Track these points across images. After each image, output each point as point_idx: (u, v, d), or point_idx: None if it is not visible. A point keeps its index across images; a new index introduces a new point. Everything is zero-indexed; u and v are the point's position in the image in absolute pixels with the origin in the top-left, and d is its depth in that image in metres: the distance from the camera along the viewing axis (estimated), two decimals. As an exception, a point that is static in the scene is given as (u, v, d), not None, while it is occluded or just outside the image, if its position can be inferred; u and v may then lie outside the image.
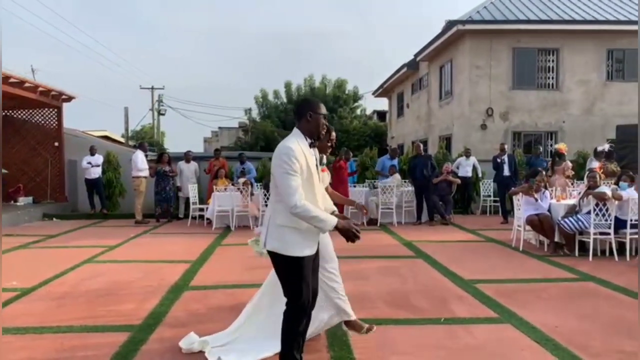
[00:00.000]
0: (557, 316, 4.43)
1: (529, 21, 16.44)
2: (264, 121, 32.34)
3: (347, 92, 33.87)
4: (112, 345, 3.78)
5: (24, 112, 13.90)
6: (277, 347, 3.29)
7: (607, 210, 6.91)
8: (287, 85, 33.20)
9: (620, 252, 7.04)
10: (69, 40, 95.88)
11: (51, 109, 13.83)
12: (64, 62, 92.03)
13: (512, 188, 8.85)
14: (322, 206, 3.13)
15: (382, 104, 33.11)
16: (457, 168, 12.69)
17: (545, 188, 8.03)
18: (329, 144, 3.72)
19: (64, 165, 13.82)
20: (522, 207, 7.78)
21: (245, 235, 9.51)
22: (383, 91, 28.26)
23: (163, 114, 38.24)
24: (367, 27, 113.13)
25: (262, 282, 3.93)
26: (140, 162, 11.51)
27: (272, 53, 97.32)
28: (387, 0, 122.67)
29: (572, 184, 10.63)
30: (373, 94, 30.14)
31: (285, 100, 33.34)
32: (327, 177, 4.01)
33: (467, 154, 13.01)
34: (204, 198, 12.04)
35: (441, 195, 11.42)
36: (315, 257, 3.15)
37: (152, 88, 37.46)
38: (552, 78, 16.81)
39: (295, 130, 3.06)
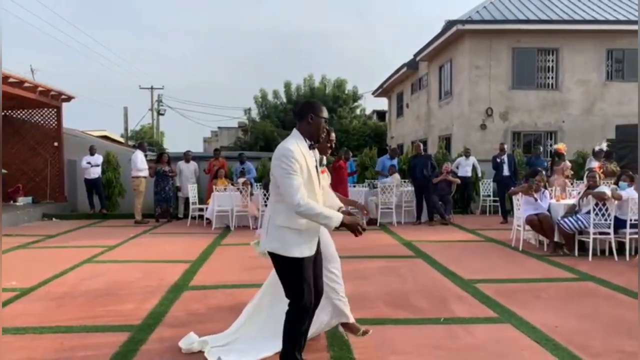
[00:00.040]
0: (557, 316, 4.43)
1: (528, 21, 16.44)
2: (263, 121, 32.36)
3: (346, 92, 33.89)
4: (112, 345, 3.78)
5: (23, 112, 13.89)
6: (276, 347, 3.29)
7: (606, 210, 6.91)
8: (287, 85, 33.21)
9: (619, 252, 7.04)
10: (69, 40, 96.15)
11: (50, 109, 13.82)
12: (63, 62, 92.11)
13: (512, 188, 8.85)
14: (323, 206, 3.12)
15: (382, 103, 33.16)
16: (457, 168, 12.70)
17: (545, 188, 8.03)
18: (329, 145, 3.72)
19: (64, 165, 13.81)
20: (522, 207, 7.78)
21: (245, 235, 9.53)
22: (383, 91, 28.26)
23: (162, 114, 38.29)
24: (367, 27, 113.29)
25: (262, 282, 3.93)
26: (140, 162, 11.50)
27: (272, 53, 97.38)
28: (387, 0, 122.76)
29: (571, 183, 10.64)
30: (373, 93, 30.16)
31: (284, 100, 33.35)
32: (327, 178, 4.00)
33: (466, 153, 13.01)
34: (203, 198, 12.04)
35: (441, 195, 11.42)
36: (318, 257, 3.15)
37: (152, 88, 37.54)
38: (552, 78, 16.82)
39: (295, 132, 3.05)
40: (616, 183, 7.45)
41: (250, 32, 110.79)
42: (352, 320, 3.79)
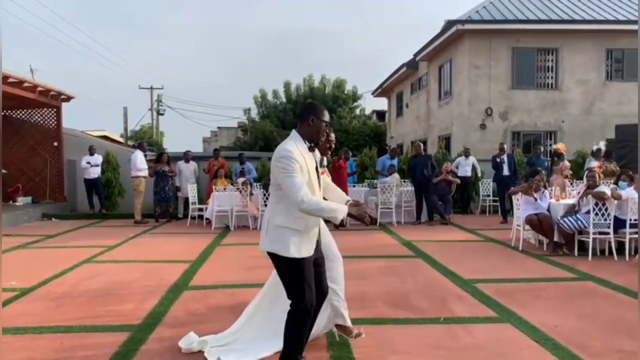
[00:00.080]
0: (557, 316, 4.43)
1: (528, 21, 16.45)
2: (263, 121, 32.35)
3: (346, 92, 33.88)
4: (112, 345, 3.78)
5: (23, 112, 13.88)
6: (276, 347, 3.30)
7: (606, 209, 6.91)
8: (286, 85, 33.20)
9: (619, 252, 7.04)
10: (69, 40, 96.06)
11: (50, 109, 13.82)
12: (63, 62, 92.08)
13: (512, 188, 8.86)
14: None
15: (382, 103, 33.17)
16: (457, 168, 12.70)
17: (545, 187, 8.04)
18: (329, 146, 3.72)
19: (63, 165, 13.80)
20: (522, 206, 7.78)
21: (245, 235, 9.54)
22: (382, 91, 28.26)
23: (162, 114, 38.26)
24: (367, 27, 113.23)
25: (262, 281, 3.93)
26: (140, 162, 11.50)
27: (272, 53, 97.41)
28: (387, 0, 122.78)
29: (571, 183, 10.64)
30: (372, 93, 30.16)
31: (284, 100, 33.34)
32: (326, 179, 4.00)
33: (466, 153, 13.01)
34: (203, 198, 12.04)
35: (441, 195, 11.42)
36: (320, 258, 3.14)
37: (151, 88, 37.50)
38: (552, 78, 16.82)
39: (294, 133, 3.05)
40: (616, 183, 7.45)
41: (250, 32, 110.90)
42: (348, 323, 3.77)
